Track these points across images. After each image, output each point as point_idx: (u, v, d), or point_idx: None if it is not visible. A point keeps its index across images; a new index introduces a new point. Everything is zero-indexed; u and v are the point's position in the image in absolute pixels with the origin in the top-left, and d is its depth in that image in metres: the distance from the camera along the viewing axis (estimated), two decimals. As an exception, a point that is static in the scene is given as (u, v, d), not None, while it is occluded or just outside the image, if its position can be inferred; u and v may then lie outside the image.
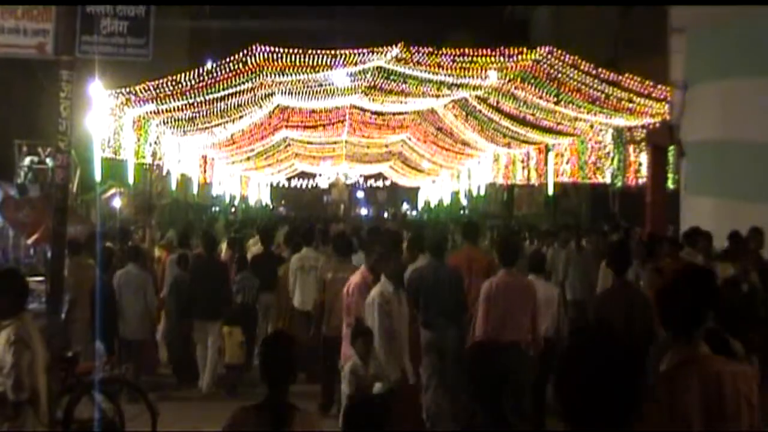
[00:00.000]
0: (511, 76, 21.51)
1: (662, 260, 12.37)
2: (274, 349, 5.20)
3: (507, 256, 10.00)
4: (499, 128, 28.31)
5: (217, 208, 43.24)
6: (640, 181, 22.75)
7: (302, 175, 63.23)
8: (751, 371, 4.47)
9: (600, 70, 19.90)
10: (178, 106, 23.09)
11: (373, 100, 26.87)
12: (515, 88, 22.22)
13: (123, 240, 15.54)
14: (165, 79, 20.75)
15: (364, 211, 74.93)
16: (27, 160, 22.65)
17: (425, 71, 21.59)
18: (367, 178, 69.30)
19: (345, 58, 20.65)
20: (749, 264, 11.03)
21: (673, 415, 4.08)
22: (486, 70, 21.04)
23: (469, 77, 21.55)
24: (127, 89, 20.60)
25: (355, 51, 20.42)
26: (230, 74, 21.02)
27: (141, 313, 12.88)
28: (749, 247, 12.64)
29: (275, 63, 20.66)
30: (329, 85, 24.40)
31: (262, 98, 25.17)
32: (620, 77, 19.86)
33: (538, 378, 9.38)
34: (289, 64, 20.72)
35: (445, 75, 21.70)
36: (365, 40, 21.39)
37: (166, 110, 23.46)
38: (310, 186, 72.27)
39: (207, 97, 22.52)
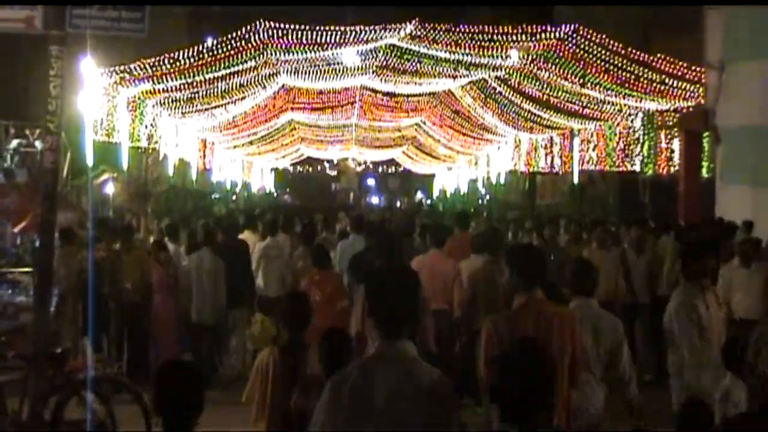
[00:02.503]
0: (534, 56, 21.42)
1: None
2: (296, 302, 7.21)
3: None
4: (520, 112, 28.25)
5: (217, 196, 43.25)
6: (673, 169, 22.69)
7: (309, 160, 63.19)
8: (572, 313, 6.67)
9: (629, 49, 19.82)
10: (175, 86, 23.08)
11: (385, 80, 26.82)
12: (538, 68, 22.14)
13: (125, 236, 14.92)
14: (162, 57, 20.74)
15: (375, 200, 74.93)
16: (14, 143, 22.65)
17: (441, 50, 21.54)
18: (378, 164, 69.23)
19: (355, 36, 20.61)
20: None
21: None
22: (507, 49, 20.98)
23: (489, 56, 21.49)
24: (122, 67, 20.61)
25: (366, 28, 20.38)
26: (232, 52, 20.99)
27: (214, 298, 13.29)
28: None
29: (280, 40, 20.64)
30: (338, 64, 24.36)
31: (266, 78, 25.14)
32: (651, 57, 19.79)
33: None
34: (295, 41, 20.70)
35: (462, 54, 21.64)
36: (377, 16, 21.36)
37: (163, 90, 23.47)
38: (317, 172, 72.33)
39: (207, 77, 22.49)
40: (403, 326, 4.43)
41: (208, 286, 13.36)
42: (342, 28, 20.35)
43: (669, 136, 23.01)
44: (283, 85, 27.52)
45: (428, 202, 62.69)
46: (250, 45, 20.73)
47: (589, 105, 24.44)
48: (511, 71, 23.62)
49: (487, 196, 45.98)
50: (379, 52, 22.90)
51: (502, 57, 21.53)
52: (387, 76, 25.92)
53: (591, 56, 20.10)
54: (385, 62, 24.08)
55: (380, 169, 72.38)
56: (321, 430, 4.34)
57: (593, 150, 27.82)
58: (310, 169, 74.45)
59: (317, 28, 20.26)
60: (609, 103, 23.51)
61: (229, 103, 27.20)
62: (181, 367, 5.10)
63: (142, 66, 20.80)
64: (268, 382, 6.73)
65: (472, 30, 20.14)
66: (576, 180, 30.51)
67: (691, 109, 20.63)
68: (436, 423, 4.21)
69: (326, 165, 72.24)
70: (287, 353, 6.75)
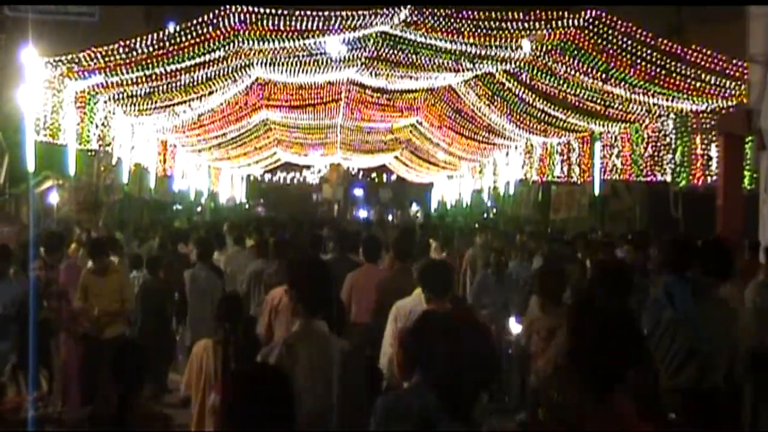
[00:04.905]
0: (549, 47, 21.51)
1: None
2: (229, 301, 9.25)
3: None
4: (532, 112, 28.34)
5: (179, 207, 43.22)
6: (710, 179, 22.72)
7: (286, 167, 63.20)
8: (484, 323, 7.98)
9: (660, 40, 19.89)
10: (131, 79, 23.11)
11: (375, 74, 26.89)
12: (554, 61, 22.23)
13: (96, 254, 14.59)
14: (116, 45, 20.75)
15: (363, 213, 75.03)
16: (-57, 145, 22.67)
17: (441, 39, 21.60)
18: (367, 172, 69.29)
19: (341, 22, 20.66)
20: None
21: None
22: (518, 39, 21.05)
23: (497, 47, 21.56)
24: (69, 56, 20.62)
25: (354, 12, 20.42)
26: (197, 40, 21.02)
27: (210, 321, 13.35)
28: None
29: (254, 26, 20.67)
30: (321, 55, 24.41)
31: (236, 70, 25.20)
32: (685, 49, 19.85)
33: None
34: (271, 28, 20.74)
35: (466, 44, 21.71)
36: (367, -1, 21.43)
37: (117, 84, 23.49)
38: (296, 181, 72.28)
39: (168, 68, 22.52)
40: (318, 308, 6.57)
41: (202, 307, 13.37)
42: (326, 13, 20.37)
43: (705, 141, 23.04)
44: (256, 79, 27.60)
45: (422, 215, 62.67)
46: (218, 32, 20.76)
47: (612, 104, 24.52)
48: (522, 64, 23.70)
49: (494, 210, 46.06)
50: (369, 40, 22.96)
51: (511, 47, 21.60)
52: (378, 69, 25.99)
53: (615, 47, 20.16)
54: (375, 53, 24.15)
55: (370, 178, 72.43)
56: None
57: (617, 157, 27.90)
58: (288, 178, 74.53)
59: (297, 12, 20.28)
60: (636, 102, 23.58)
61: (193, 99, 27.26)
62: (129, 344, 7.37)
63: (92, 55, 20.78)
64: (202, 374, 8.46)
65: (477, 16, 20.15)
66: (597, 191, 30.57)
67: (731, 109, 20.66)
68: (345, 374, 6.35)
69: (306, 172, 72.26)
70: (219, 348, 8.42)
